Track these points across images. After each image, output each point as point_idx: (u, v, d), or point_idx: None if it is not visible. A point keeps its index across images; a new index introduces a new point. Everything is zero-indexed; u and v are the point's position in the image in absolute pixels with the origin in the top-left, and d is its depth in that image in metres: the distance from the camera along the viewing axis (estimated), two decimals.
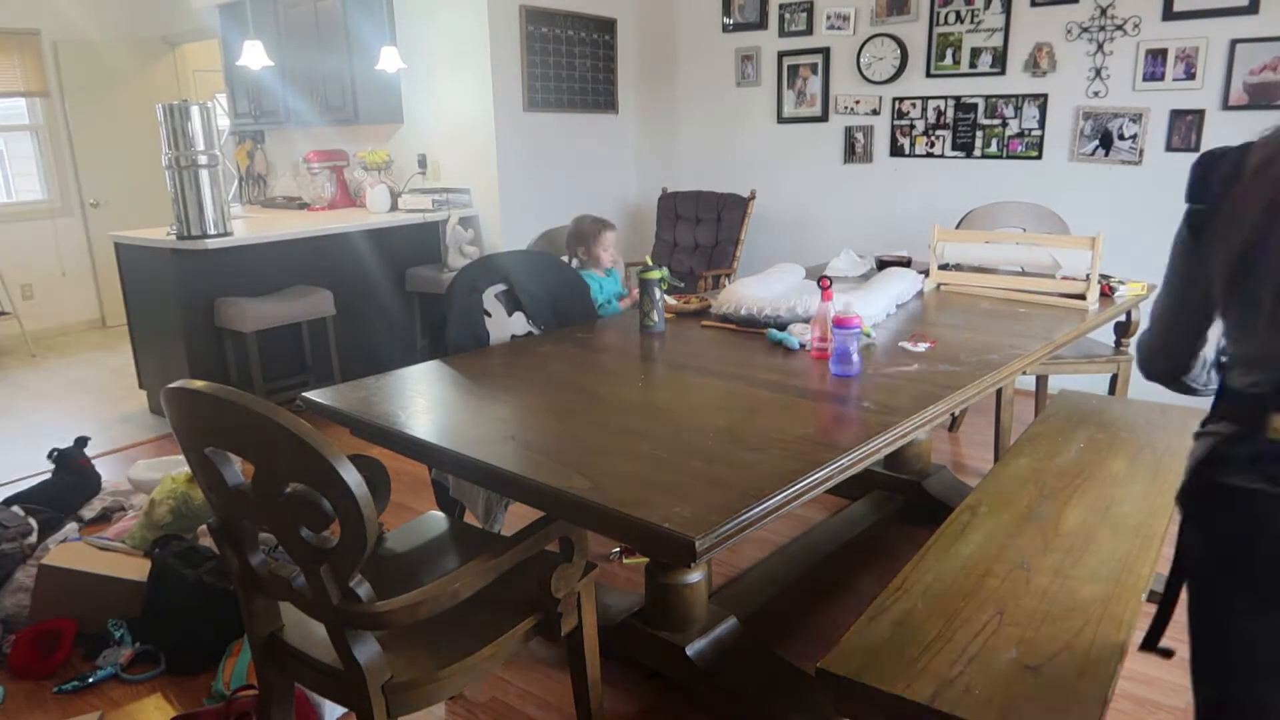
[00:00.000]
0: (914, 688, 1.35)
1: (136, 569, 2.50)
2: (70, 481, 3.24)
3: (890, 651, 1.45)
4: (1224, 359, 1.21)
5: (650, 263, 2.50)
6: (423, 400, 1.92)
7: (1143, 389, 3.94)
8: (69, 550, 2.58)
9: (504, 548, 1.56)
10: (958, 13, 4.32)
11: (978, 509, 1.98)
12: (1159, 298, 1.31)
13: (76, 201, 6.46)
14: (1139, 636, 1.41)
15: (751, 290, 2.56)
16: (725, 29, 5.15)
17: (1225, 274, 1.12)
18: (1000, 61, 4.24)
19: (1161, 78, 3.83)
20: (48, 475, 3.27)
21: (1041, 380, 3.72)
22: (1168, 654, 1.36)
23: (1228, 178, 1.12)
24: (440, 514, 2.11)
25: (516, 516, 3.01)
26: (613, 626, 2.21)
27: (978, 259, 3.07)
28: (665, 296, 2.56)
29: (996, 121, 4.32)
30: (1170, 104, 3.83)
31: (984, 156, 4.39)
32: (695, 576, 2.12)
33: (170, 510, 2.74)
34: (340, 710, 2.09)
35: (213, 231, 4.02)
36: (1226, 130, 3.71)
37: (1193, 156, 1.18)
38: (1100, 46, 3.97)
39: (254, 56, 4.61)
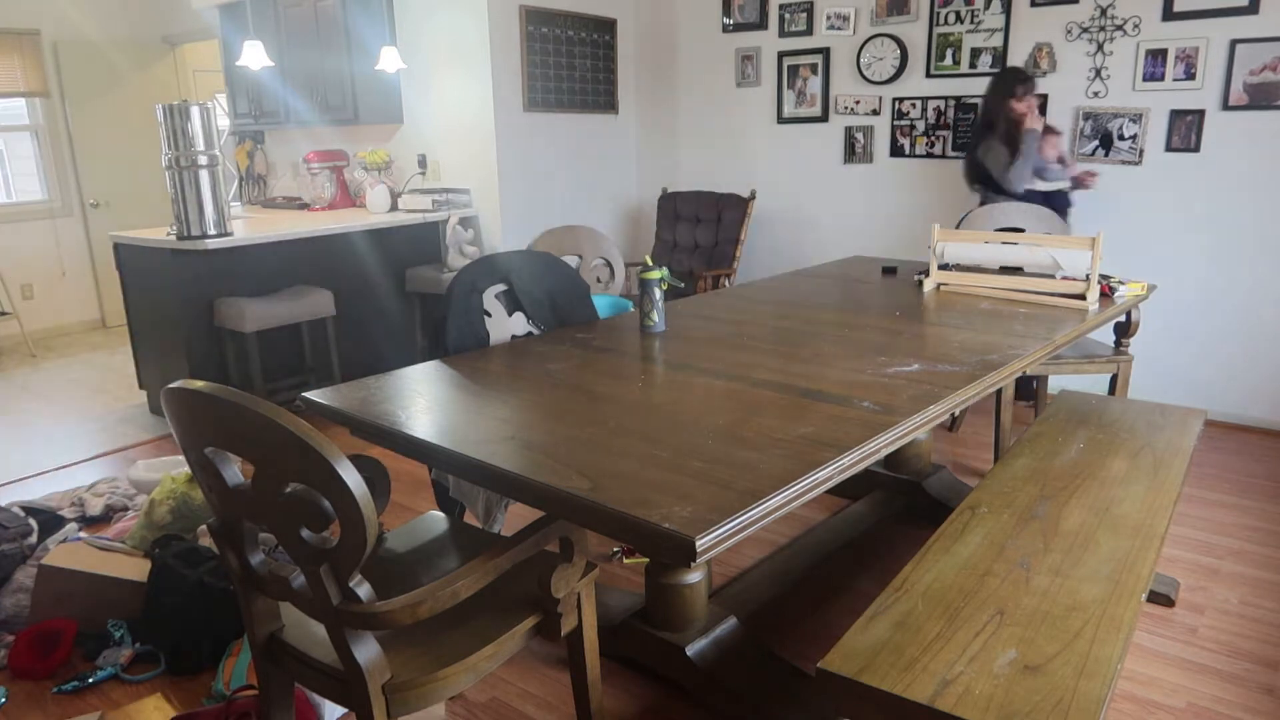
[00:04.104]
0: (914, 688, 1.35)
1: (136, 569, 2.50)
2: None
3: (890, 651, 1.45)
4: None
5: (650, 263, 2.50)
6: (423, 400, 1.92)
7: (1143, 389, 3.96)
8: (69, 550, 2.58)
9: (504, 548, 1.55)
10: (958, 13, 4.32)
11: (978, 509, 1.98)
12: None
13: (76, 201, 6.46)
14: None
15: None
16: (725, 29, 5.15)
17: None
18: (1000, 62, 4.24)
19: (1161, 78, 3.83)
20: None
21: (1041, 380, 3.72)
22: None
23: None
24: (440, 514, 2.11)
25: (516, 516, 3.01)
26: (613, 626, 2.22)
27: (978, 259, 3.07)
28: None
29: None
30: (1170, 104, 3.83)
31: None
32: (695, 576, 2.12)
33: (170, 510, 2.75)
34: (340, 710, 2.09)
35: (213, 232, 4.02)
36: (1227, 130, 3.71)
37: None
38: (1100, 46, 3.97)
39: (254, 57, 4.61)
